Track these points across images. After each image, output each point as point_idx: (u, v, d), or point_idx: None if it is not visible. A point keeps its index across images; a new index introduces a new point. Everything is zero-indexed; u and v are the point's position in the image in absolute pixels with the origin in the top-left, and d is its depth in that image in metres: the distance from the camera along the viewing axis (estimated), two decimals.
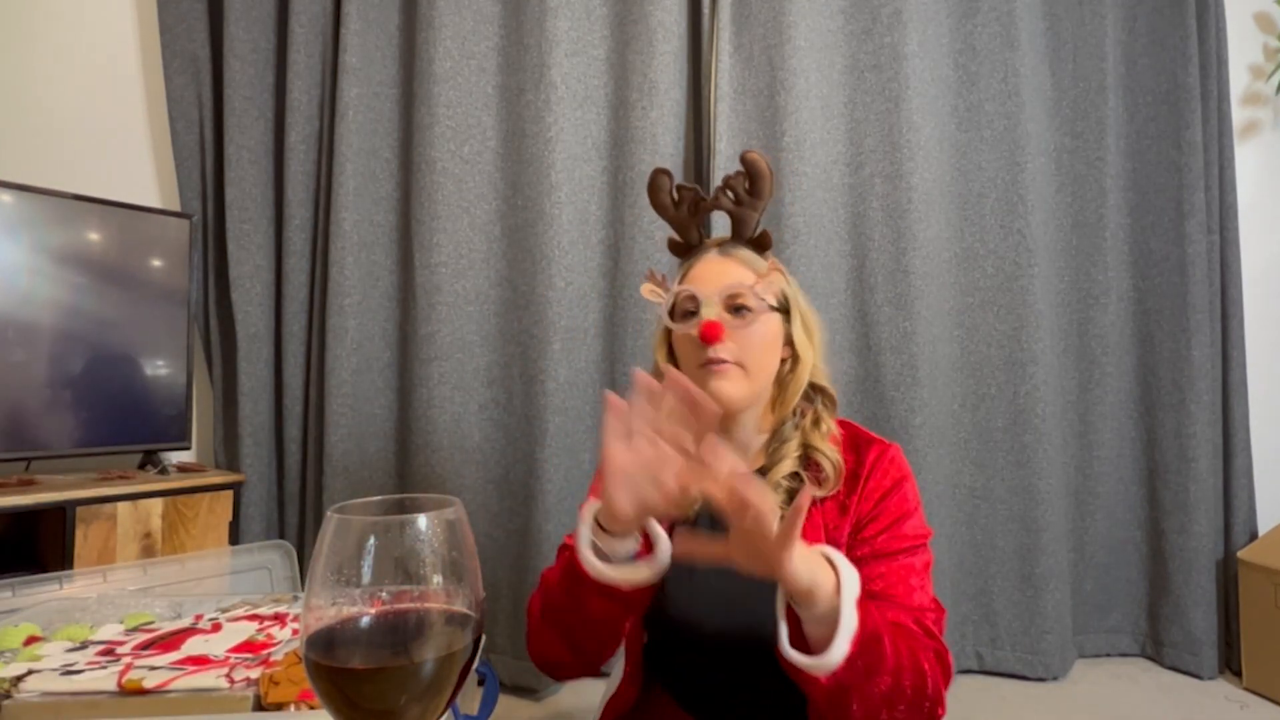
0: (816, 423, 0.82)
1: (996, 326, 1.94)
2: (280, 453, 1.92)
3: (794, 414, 0.84)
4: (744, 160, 0.82)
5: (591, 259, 1.88)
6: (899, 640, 0.65)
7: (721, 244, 0.87)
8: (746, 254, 0.85)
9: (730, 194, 0.84)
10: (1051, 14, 2.03)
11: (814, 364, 0.84)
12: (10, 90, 1.79)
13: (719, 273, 0.83)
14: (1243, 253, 1.99)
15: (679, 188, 0.86)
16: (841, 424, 0.87)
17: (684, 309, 0.83)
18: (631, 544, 0.68)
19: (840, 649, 0.59)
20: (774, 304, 0.82)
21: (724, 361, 0.79)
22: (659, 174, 0.87)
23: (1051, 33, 2.03)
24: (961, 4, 1.97)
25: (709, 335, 0.77)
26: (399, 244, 1.93)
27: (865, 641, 0.61)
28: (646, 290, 0.87)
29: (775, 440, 0.83)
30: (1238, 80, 2.08)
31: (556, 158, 1.82)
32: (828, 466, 0.80)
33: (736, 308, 0.80)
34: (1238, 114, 2.07)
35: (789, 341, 0.84)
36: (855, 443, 0.85)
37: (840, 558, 0.64)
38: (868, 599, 0.66)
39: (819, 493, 0.79)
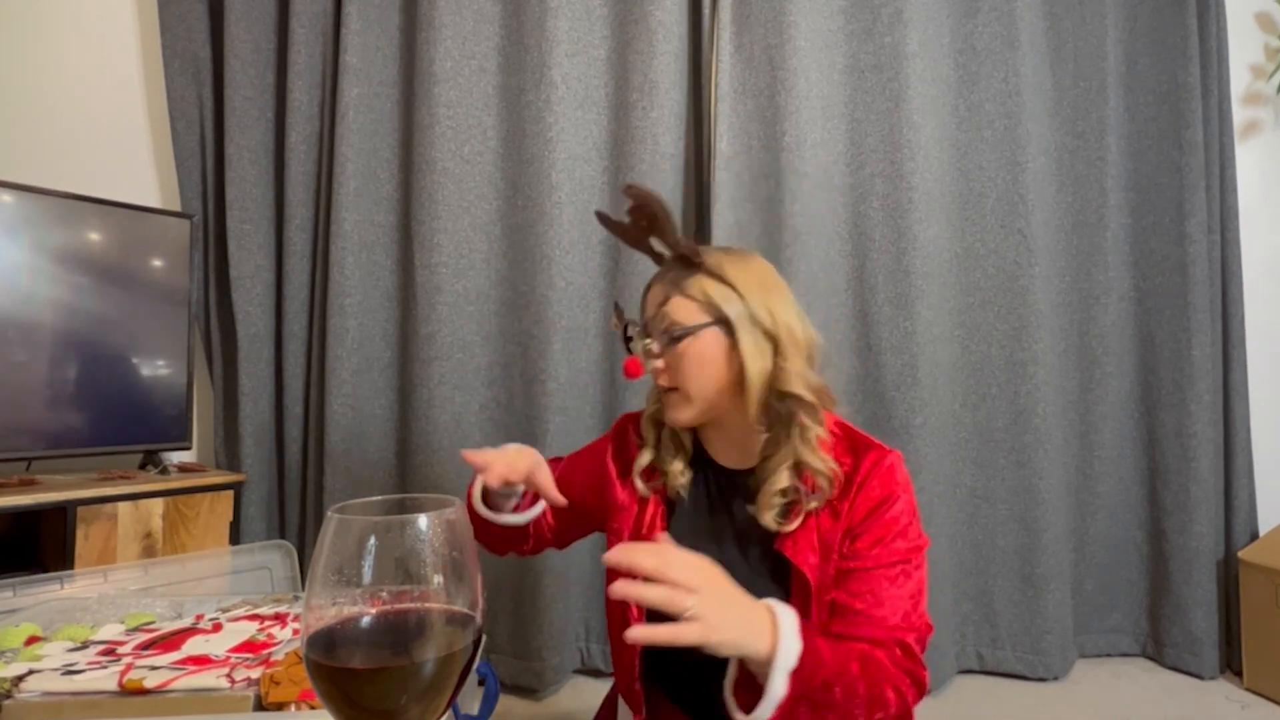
0: (804, 432, 0.79)
1: (997, 326, 1.94)
2: (280, 453, 1.92)
3: (784, 422, 0.80)
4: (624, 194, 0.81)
5: (591, 259, 1.88)
6: (858, 679, 0.66)
7: (661, 268, 0.86)
8: (677, 274, 0.82)
9: (643, 222, 0.82)
10: (1052, 14, 2.03)
11: (778, 371, 0.78)
12: (10, 90, 1.79)
13: (651, 301, 0.84)
14: (1243, 253, 1.99)
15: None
16: (838, 426, 0.84)
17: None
18: (511, 501, 0.93)
19: (763, 713, 0.62)
20: (700, 321, 0.79)
21: (670, 389, 0.82)
22: (598, 216, 0.90)
23: (1052, 33, 2.03)
24: (962, 4, 1.97)
25: (627, 373, 0.83)
26: (399, 244, 1.93)
27: (798, 698, 0.62)
28: (612, 324, 0.90)
29: (767, 448, 0.81)
30: (1238, 80, 2.08)
31: (557, 158, 1.82)
32: (821, 480, 0.78)
33: (667, 334, 0.80)
34: (1238, 114, 2.07)
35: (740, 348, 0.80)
36: (853, 446, 0.82)
37: (785, 616, 0.64)
38: (826, 638, 0.69)
39: (812, 505, 0.78)
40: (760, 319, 0.79)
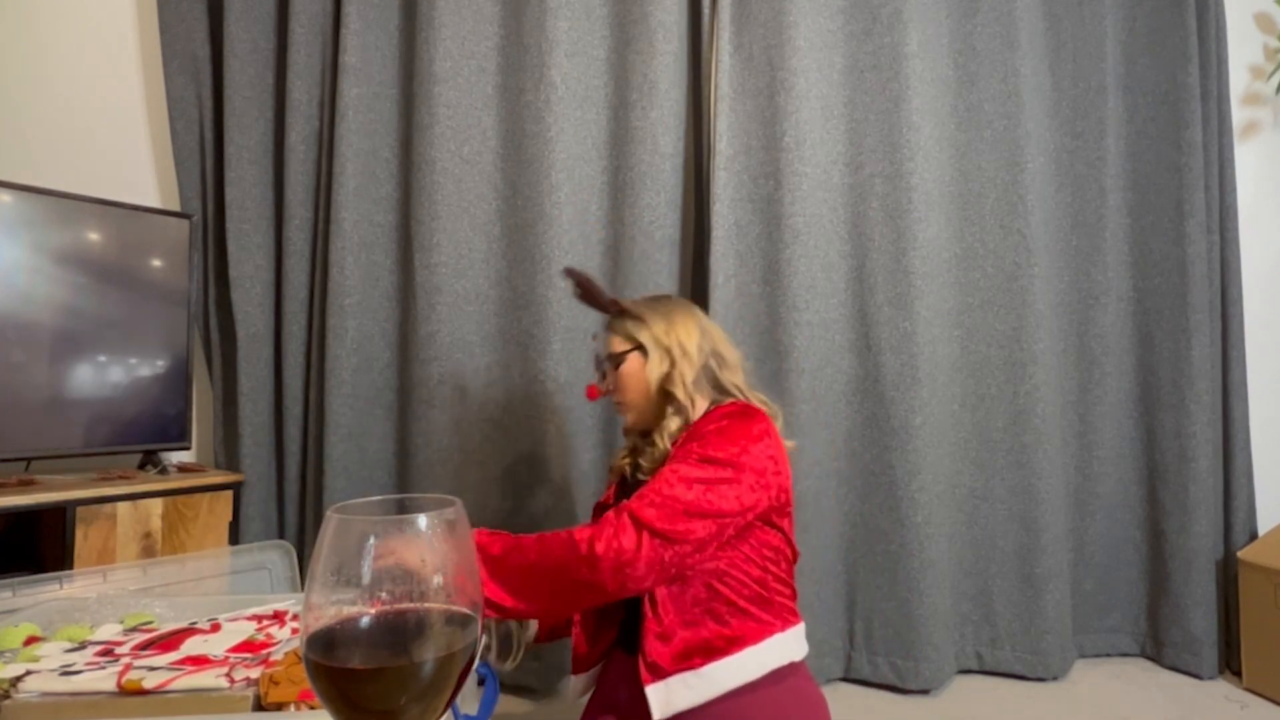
0: (663, 421, 1.07)
1: (996, 326, 1.94)
2: (280, 453, 1.92)
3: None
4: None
5: (591, 259, 1.88)
6: (535, 542, 0.94)
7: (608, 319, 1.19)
8: (613, 321, 1.16)
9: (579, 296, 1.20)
10: (1051, 14, 2.03)
11: (669, 374, 1.08)
12: (10, 90, 1.79)
13: (603, 343, 1.17)
14: (1243, 253, 1.99)
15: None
16: (727, 405, 1.06)
17: None
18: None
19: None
20: (625, 349, 1.11)
21: (618, 404, 1.15)
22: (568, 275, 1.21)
23: (1051, 33, 2.03)
24: (961, 4, 1.97)
25: (587, 396, 1.19)
26: (399, 244, 1.93)
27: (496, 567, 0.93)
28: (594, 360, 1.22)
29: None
30: (1238, 80, 2.08)
31: (556, 158, 1.82)
32: (658, 453, 1.06)
33: (608, 361, 1.15)
34: (1238, 114, 2.07)
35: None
36: (729, 412, 1.04)
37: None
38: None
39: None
40: (660, 338, 1.10)
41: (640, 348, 1.10)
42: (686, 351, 1.08)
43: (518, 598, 0.91)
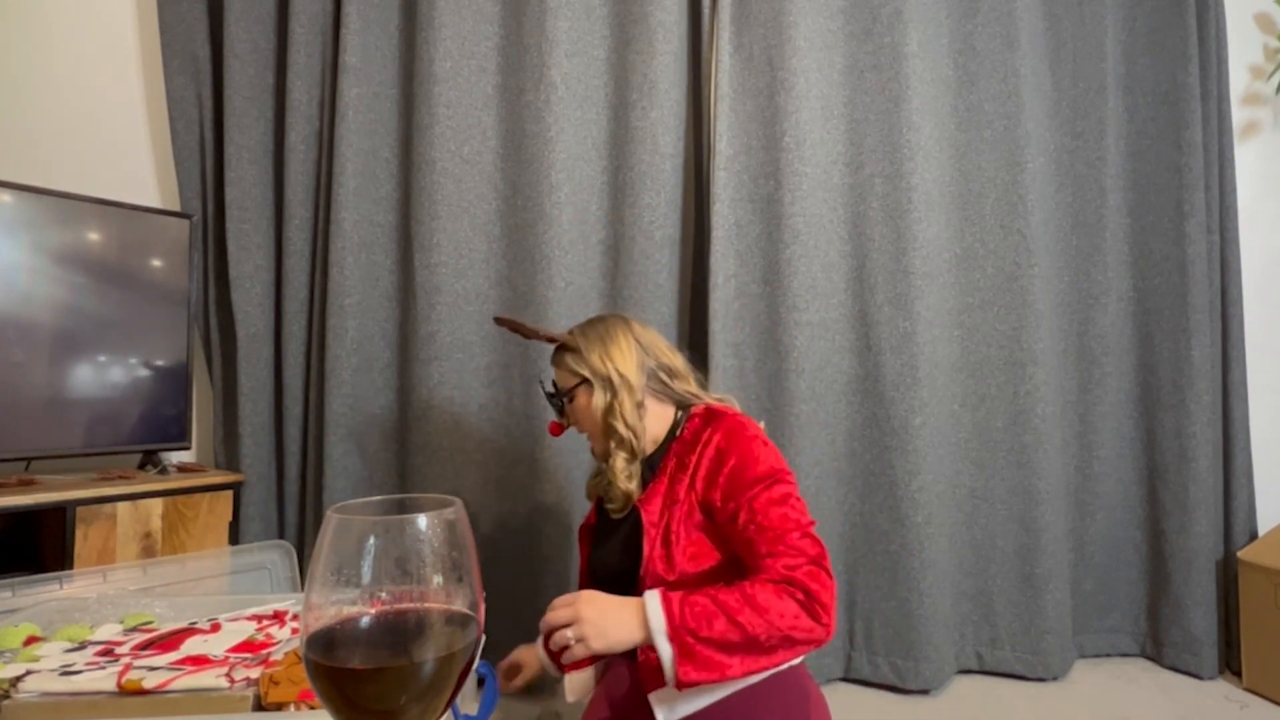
0: (610, 459, 1.07)
1: (996, 327, 1.94)
2: (280, 453, 1.92)
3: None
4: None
5: (591, 259, 1.88)
6: (746, 606, 0.84)
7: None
8: (556, 355, 1.15)
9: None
10: (1051, 14, 2.03)
11: (611, 405, 1.07)
12: (10, 90, 1.79)
13: (552, 380, 1.18)
14: (1243, 253, 1.99)
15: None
16: (705, 409, 1.08)
17: None
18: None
19: (669, 672, 0.84)
20: (571, 384, 1.11)
21: (581, 433, 1.15)
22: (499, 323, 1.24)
23: (1051, 33, 2.03)
24: (961, 4, 1.97)
25: (551, 433, 1.20)
26: (399, 244, 1.92)
27: (704, 647, 0.83)
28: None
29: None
30: (1238, 80, 2.08)
31: (556, 158, 1.82)
32: (617, 493, 1.07)
33: (560, 398, 1.15)
34: (1238, 114, 2.07)
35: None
36: (709, 420, 1.05)
37: (651, 602, 0.86)
38: (717, 588, 0.88)
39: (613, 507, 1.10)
40: (598, 370, 1.08)
41: (586, 381, 1.10)
42: (626, 378, 1.08)
43: (745, 667, 0.86)
